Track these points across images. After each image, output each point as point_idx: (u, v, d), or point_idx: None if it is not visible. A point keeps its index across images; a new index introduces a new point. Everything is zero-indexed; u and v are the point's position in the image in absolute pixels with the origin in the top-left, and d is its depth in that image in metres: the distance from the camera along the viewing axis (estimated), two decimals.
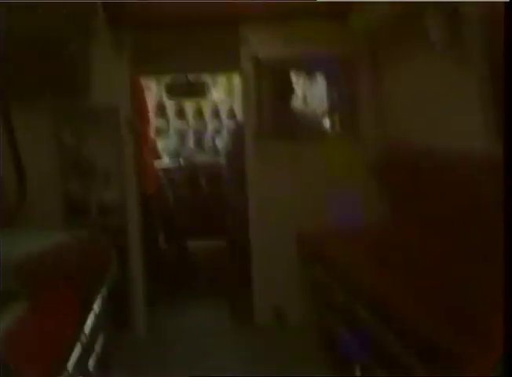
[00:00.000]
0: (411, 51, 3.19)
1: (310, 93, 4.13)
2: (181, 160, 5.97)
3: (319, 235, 3.48)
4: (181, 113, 6.49)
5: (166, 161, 5.92)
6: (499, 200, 1.59)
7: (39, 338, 1.86)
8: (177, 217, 5.14)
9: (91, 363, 2.29)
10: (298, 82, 4.33)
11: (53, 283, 2.16)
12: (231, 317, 4.10)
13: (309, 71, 4.09)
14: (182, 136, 6.46)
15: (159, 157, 5.68)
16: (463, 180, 2.60)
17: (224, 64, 4.87)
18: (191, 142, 6.46)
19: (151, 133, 5.11)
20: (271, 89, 3.99)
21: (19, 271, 2.08)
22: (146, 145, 4.46)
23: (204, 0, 3.32)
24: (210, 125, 6.54)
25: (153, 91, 6.25)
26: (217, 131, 6.50)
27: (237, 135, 4.29)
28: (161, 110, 6.40)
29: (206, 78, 5.90)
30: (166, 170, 5.48)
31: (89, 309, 2.28)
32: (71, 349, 1.98)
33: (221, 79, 6.42)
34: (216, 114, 6.55)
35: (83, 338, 2.15)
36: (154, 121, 5.86)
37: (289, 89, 4.23)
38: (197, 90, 5.76)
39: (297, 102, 4.34)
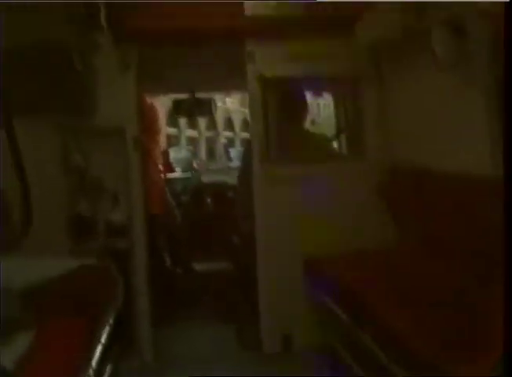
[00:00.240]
0: (416, 68, 3.18)
1: (317, 112, 4.11)
2: (191, 176, 5.95)
3: (326, 260, 3.41)
4: (192, 124, 6.49)
5: (177, 173, 5.88)
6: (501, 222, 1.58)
7: (47, 369, 1.79)
8: (184, 238, 5.09)
9: None
10: (305, 100, 4.31)
11: (60, 312, 2.10)
12: (237, 341, 4.02)
13: (315, 89, 4.08)
14: (194, 147, 6.46)
15: (171, 170, 5.64)
16: (469, 201, 2.56)
17: (230, 82, 4.87)
18: (202, 154, 6.46)
19: (159, 151, 5.08)
20: (278, 108, 3.96)
21: (25, 299, 2.02)
22: (154, 164, 4.42)
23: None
24: (222, 136, 6.54)
25: (161, 109, 6.25)
26: (230, 142, 6.49)
27: (246, 155, 4.25)
28: (172, 124, 6.40)
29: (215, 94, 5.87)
30: (173, 189, 5.44)
31: (97, 338, 2.21)
32: None
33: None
34: (229, 124, 6.55)
35: (90, 369, 2.09)
36: (164, 133, 5.84)
37: (296, 108, 4.22)
38: (204, 108, 5.74)
39: (304, 121, 4.32)
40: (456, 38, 2.49)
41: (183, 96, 5.67)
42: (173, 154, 6.01)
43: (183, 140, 6.08)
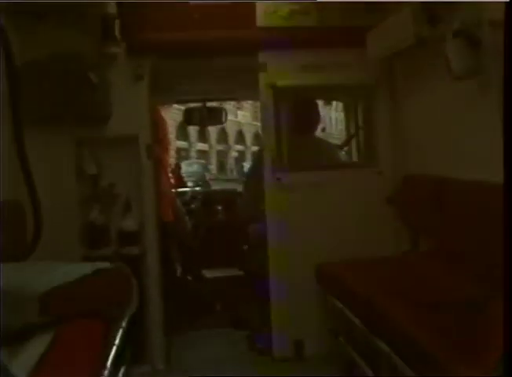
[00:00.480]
0: (430, 78, 3.19)
1: (329, 122, 4.13)
2: (201, 186, 5.97)
3: (338, 266, 3.42)
4: (203, 138, 6.53)
5: (188, 185, 5.89)
6: None
7: (64, 370, 1.81)
8: (195, 246, 5.10)
9: None
10: (316, 109, 4.34)
11: (77, 316, 2.11)
12: (249, 347, 4.02)
13: (327, 100, 4.10)
14: (205, 160, 6.50)
15: (182, 183, 5.65)
16: (484, 209, 2.55)
17: (242, 92, 4.90)
18: (213, 167, 6.50)
19: (171, 160, 5.11)
20: (290, 117, 3.99)
21: (43, 303, 2.04)
22: (165, 173, 4.45)
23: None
24: (234, 149, 6.58)
25: (173, 118, 6.31)
26: (241, 155, 6.53)
27: (256, 160, 4.27)
28: (183, 135, 6.44)
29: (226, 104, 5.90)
30: (184, 198, 5.45)
31: (111, 343, 2.22)
32: None
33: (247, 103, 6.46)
34: (241, 138, 6.59)
35: (106, 371, 2.10)
36: (174, 147, 5.88)
37: (307, 117, 4.25)
38: (215, 117, 5.77)
39: (315, 130, 4.35)
40: (470, 49, 2.51)
41: (195, 105, 5.71)
42: (185, 167, 5.99)
43: (193, 153, 6.11)
